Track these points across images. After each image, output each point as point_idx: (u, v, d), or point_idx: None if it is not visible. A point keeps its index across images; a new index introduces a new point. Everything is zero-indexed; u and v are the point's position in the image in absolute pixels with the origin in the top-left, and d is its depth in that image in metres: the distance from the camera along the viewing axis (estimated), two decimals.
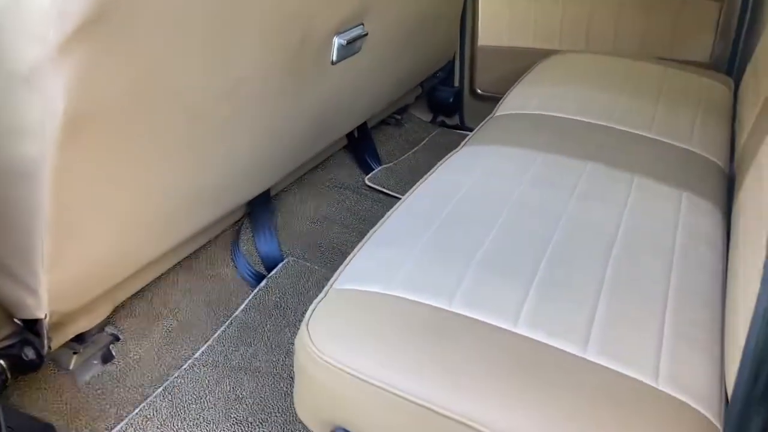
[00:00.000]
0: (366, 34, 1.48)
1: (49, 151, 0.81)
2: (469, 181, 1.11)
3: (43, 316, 0.88)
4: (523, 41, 2.14)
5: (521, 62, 2.17)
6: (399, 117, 2.28)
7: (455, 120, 2.44)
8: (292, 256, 1.50)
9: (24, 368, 0.94)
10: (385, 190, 1.81)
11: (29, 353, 0.92)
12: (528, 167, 1.16)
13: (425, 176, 1.19)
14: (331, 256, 1.52)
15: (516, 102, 1.52)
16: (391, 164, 1.98)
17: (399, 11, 1.63)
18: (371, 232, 1.00)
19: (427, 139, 2.25)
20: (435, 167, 1.23)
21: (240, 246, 1.48)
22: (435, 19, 1.91)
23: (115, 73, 0.85)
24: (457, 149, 1.31)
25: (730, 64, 1.91)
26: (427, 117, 2.45)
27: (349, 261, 0.92)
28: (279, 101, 1.28)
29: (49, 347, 0.93)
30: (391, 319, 0.79)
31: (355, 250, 0.95)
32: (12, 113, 0.80)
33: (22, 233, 0.84)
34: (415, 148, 2.16)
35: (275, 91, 1.25)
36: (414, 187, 1.15)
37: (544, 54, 2.10)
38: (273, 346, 1.25)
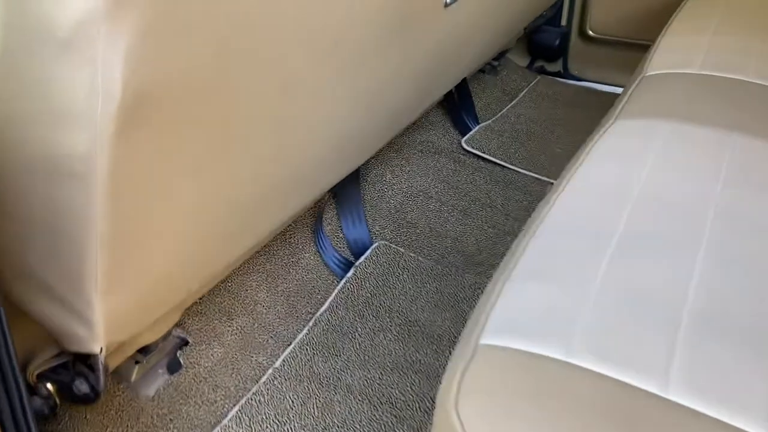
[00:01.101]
0: None
1: (103, 141, 0.59)
2: (643, 176, 0.83)
3: (98, 351, 0.69)
4: None
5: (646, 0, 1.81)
6: (496, 63, 1.97)
7: (557, 66, 2.11)
8: (383, 239, 1.27)
9: (76, 400, 0.76)
10: (486, 156, 1.54)
11: (82, 387, 0.73)
12: (720, 156, 0.87)
13: (575, 162, 0.91)
14: (428, 240, 1.28)
15: (672, 56, 1.20)
16: (489, 122, 1.69)
17: None
18: (516, 250, 0.75)
19: (526, 89, 1.94)
20: (586, 148, 0.95)
21: (324, 227, 1.26)
22: None
23: (191, 37, 0.60)
24: (609, 122, 1.01)
25: None
26: (524, 62, 2.12)
27: (497, 299, 0.68)
28: (383, 56, 1.02)
29: (106, 382, 0.74)
30: (579, 403, 0.55)
31: (499, 279, 0.71)
32: (53, 93, 0.57)
33: (71, 250, 0.64)
34: (514, 101, 1.85)
35: (380, 43, 0.98)
36: (562, 179, 0.88)
37: None
38: (366, 358, 1.05)
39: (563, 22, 2.01)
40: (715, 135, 0.91)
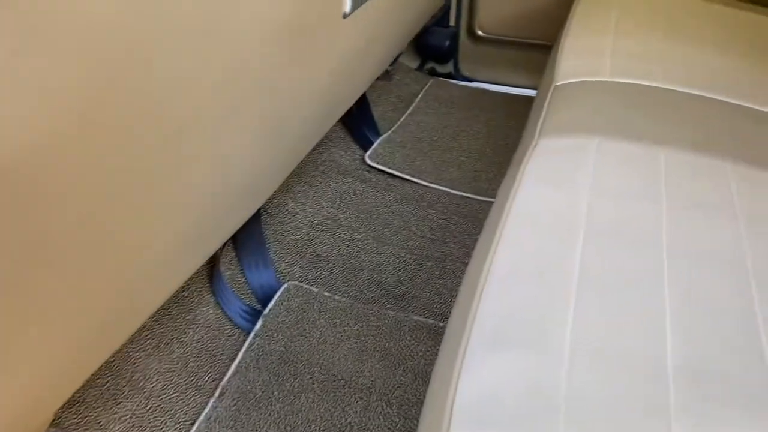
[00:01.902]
0: None
1: None
2: (585, 204, 0.76)
3: None
4: None
5: None
6: (390, 68, 1.87)
7: (448, 67, 2.05)
8: (292, 279, 1.12)
9: None
10: (393, 171, 1.43)
11: None
12: (656, 174, 0.81)
13: (509, 188, 0.82)
14: (343, 274, 1.15)
15: (579, 63, 1.15)
16: (390, 133, 1.59)
17: None
18: (470, 305, 0.64)
19: (421, 93, 1.86)
20: (516, 171, 0.86)
21: (223, 274, 1.09)
22: None
23: (54, 72, 0.43)
24: (533, 141, 0.94)
25: None
26: (414, 63, 2.04)
27: (459, 377, 0.56)
28: (284, 78, 0.87)
29: None
30: None
31: (457, 349, 0.59)
32: None
33: None
34: (411, 107, 1.76)
35: (280, 62, 0.83)
36: (501, 210, 0.78)
37: None
38: (288, 428, 0.90)
39: (451, 22, 1.95)
40: (644, 151, 0.86)
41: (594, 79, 1.09)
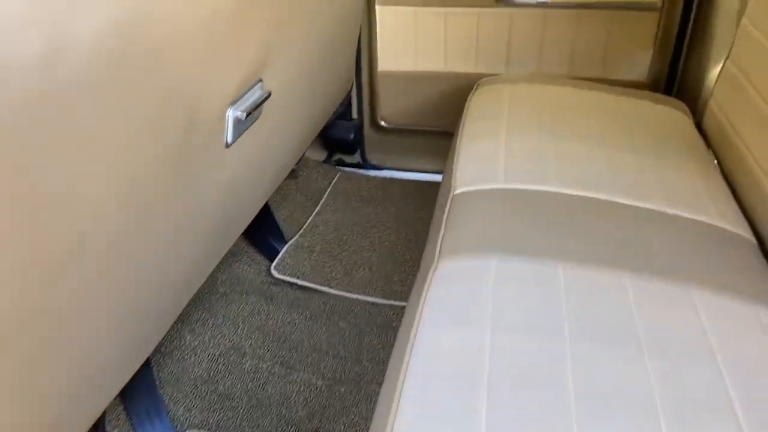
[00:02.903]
0: (268, 95, 1.02)
1: None
2: (487, 344, 0.72)
3: None
4: (432, 64, 1.79)
5: (431, 88, 1.82)
6: (295, 165, 1.83)
7: (356, 157, 2.04)
8: (191, 428, 1.02)
9: None
10: (301, 282, 1.36)
11: None
12: (556, 299, 0.79)
13: (410, 320, 0.77)
14: (249, 413, 1.06)
15: (475, 169, 1.14)
16: (297, 238, 1.53)
17: (302, 49, 1.19)
18: None
19: (329, 189, 1.83)
20: (417, 298, 0.82)
21: None
22: (334, 49, 1.48)
23: None
24: (434, 262, 0.90)
25: (669, 82, 1.70)
26: (320, 155, 2.02)
27: None
28: (168, 210, 0.80)
29: None
30: None
31: None
32: None
33: None
34: (319, 205, 1.72)
35: (163, 195, 0.77)
36: (401, 357, 0.73)
37: (457, 78, 1.77)
38: None
39: (354, 115, 1.95)
40: (542, 270, 0.84)
41: (490, 187, 1.08)
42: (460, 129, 1.34)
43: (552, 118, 1.32)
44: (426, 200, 1.78)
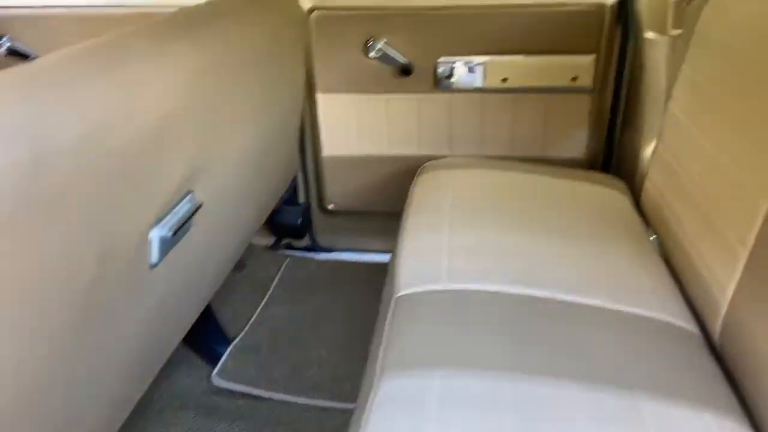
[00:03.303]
0: (200, 206, 0.99)
1: None
2: None
3: None
4: (377, 148, 1.79)
5: (377, 171, 1.82)
6: (240, 256, 1.78)
7: (306, 240, 2.00)
8: None
9: None
10: (244, 389, 1.30)
11: None
12: (501, 418, 0.76)
13: None
14: None
15: (418, 268, 1.12)
16: (241, 337, 1.47)
17: (238, 151, 1.17)
18: None
19: (277, 277, 1.78)
20: (359, 422, 0.77)
21: None
22: (276, 140, 1.47)
23: None
24: (377, 377, 0.86)
25: (607, 160, 1.74)
26: (268, 241, 1.98)
27: None
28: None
29: None
30: None
31: None
32: None
33: None
34: (266, 297, 1.67)
35: (85, 319, 0.71)
36: None
37: (402, 161, 1.77)
38: None
39: (301, 199, 1.93)
40: (488, 386, 0.81)
41: (433, 288, 1.06)
42: (403, 221, 1.33)
43: (495, 206, 1.33)
44: (378, 284, 1.75)
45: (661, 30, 1.48)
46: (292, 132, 1.65)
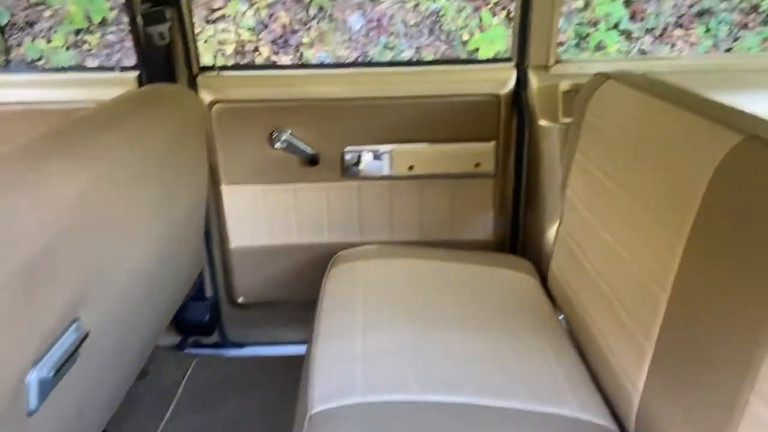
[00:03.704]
0: (87, 335, 0.90)
1: None
2: None
3: None
4: (286, 237, 1.75)
5: (287, 261, 1.77)
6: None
7: (215, 336, 1.89)
8: None
9: None
10: None
11: None
12: None
13: None
14: None
15: (332, 379, 1.07)
16: None
17: (136, 258, 1.09)
18: None
19: (184, 381, 1.66)
20: None
21: None
22: (179, 238, 1.39)
23: None
24: None
25: (514, 241, 1.78)
26: (173, 340, 1.86)
27: None
28: None
29: None
30: None
31: None
32: None
33: None
34: (172, 406, 1.55)
35: None
36: None
37: (313, 249, 1.74)
38: None
39: (208, 292, 1.84)
40: None
41: (349, 402, 1.01)
42: (316, 323, 1.28)
43: (408, 301, 1.31)
44: (294, 378, 1.67)
45: (552, 118, 1.56)
46: (196, 227, 1.58)
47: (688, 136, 0.95)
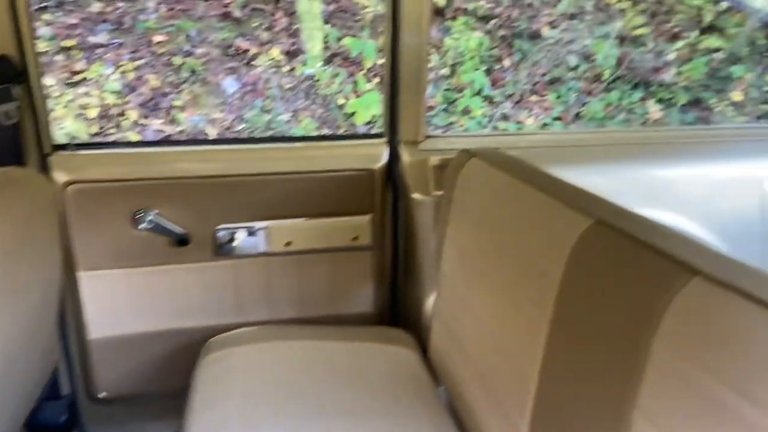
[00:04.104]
0: None
1: None
2: None
3: None
4: (154, 324, 1.63)
5: (156, 349, 1.64)
6: None
7: None
8: None
9: None
10: None
11: None
12: None
13: None
14: None
15: None
16: None
17: None
18: None
19: None
20: None
21: None
22: (29, 335, 1.24)
23: None
24: None
25: (394, 312, 1.79)
26: None
27: None
28: None
29: None
30: None
31: None
32: None
33: None
34: None
35: None
36: None
37: (185, 335, 1.63)
38: None
39: (65, 390, 1.65)
40: None
41: None
42: (185, 419, 1.18)
43: (286, 389, 1.25)
44: None
45: (425, 192, 1.61)
46: (48, 320, 1.42)
47: (545, 218, 1.00)
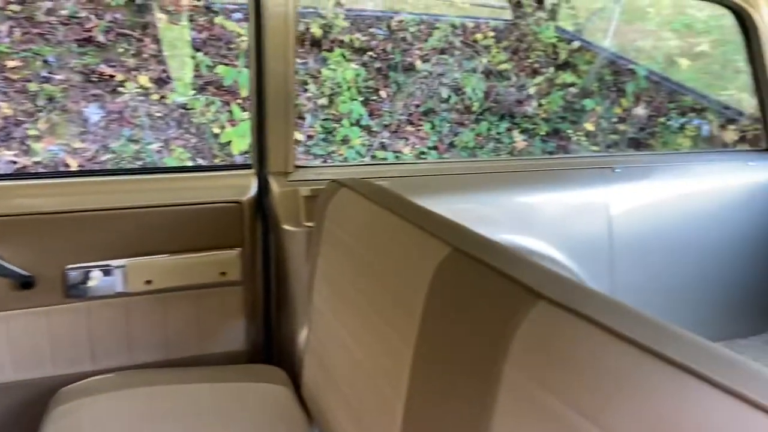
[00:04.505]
0: None
1: None
2: None
3: None
4: None
5: None
6: None
7: None
8: None
9: None
10: None
11: None
12: None
13: None
14: None
15: None
16: None
17: None
18: None
19: None
20: None
21: None
22: None
23: None
24: None
25: (268, 349, 1.72)
26: None
27: None
28: None
29: None
30: None
31: None
32: None
33: None
34: None
35: None
36: None
37: (28, 388, 1.46)
38: None
39: None
40: None
41: None
42: None
43: None
44: None
45: (296, 223, 1.58)
46: None
47: (407, 246, 1.01)
